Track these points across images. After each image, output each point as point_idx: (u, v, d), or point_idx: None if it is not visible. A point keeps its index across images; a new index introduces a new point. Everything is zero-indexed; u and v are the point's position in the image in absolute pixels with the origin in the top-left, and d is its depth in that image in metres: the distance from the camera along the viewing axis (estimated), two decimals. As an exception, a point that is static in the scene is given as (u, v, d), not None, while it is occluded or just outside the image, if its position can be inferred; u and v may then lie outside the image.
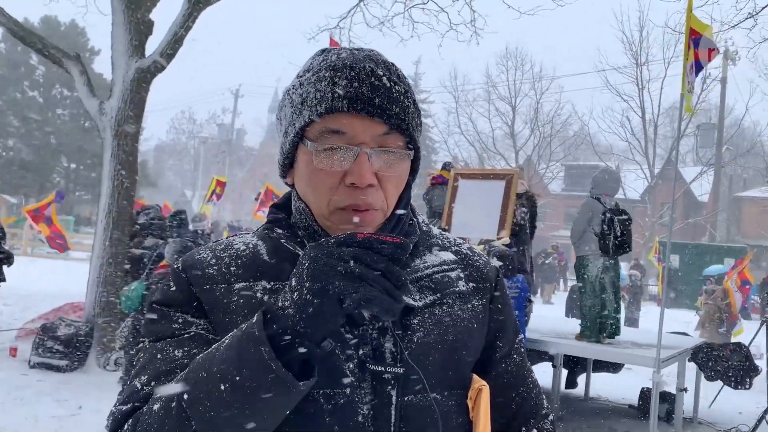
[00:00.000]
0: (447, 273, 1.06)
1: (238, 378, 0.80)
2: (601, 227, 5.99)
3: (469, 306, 1.05)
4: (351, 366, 0.93)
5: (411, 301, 0.98)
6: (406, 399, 0.95)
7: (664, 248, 22.26)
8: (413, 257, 1.05)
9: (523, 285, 5.79)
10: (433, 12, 10.50)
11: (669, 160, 30.96)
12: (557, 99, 37.13)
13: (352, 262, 0.80)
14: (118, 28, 7.60)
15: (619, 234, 5.93)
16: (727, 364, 6.48)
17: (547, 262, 21.49)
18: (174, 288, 1.00)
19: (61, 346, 7.01)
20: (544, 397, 1.19)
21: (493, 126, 34.97)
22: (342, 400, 0.92)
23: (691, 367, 6.79)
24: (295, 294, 0.82)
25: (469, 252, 1.14)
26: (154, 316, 1.00)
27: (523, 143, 34.65)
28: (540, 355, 6.37)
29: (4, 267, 7.97)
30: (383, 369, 0.94)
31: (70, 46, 18.21)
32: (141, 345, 1.00)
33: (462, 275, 1.07)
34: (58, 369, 6.93)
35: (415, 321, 0.98)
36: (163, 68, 7.70)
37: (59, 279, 13.62)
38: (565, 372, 6.87)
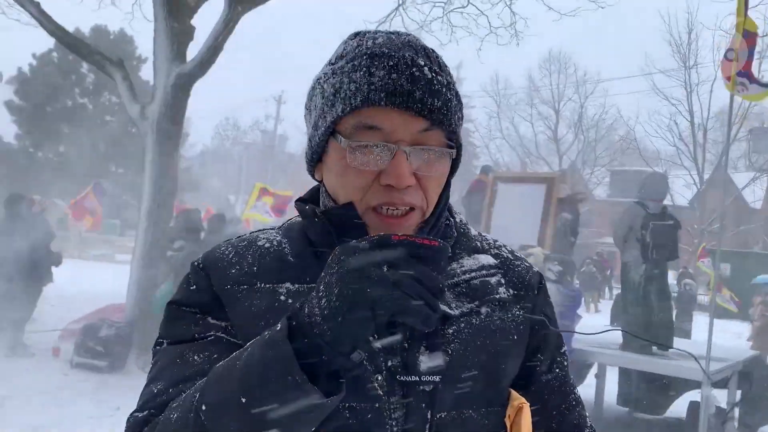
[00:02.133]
0: (486, 278, 0.98)
1: (259, 391, 0.73)
2: (640, 233, 5.77)
3: (510, 315, 0.96)
4: (380, 378, 0.86)
5: (447, 309, 0.90)
6: (439, 416, 0.87)
7: (713, 256, 21.55)
8: (450, 261, 0.96)
9: (578, 295, 5.60)
10: (472, 16, 10.39)
11: (719, 166, 30.03)
12: (602, 103, 36.41)
13: (386, 267, 0.72)
14: (160, 35, 7.72)
15: (660, 240, 5.69)
16: None
17: (582, 270, 20.98)
18: (194, 287, 0.94)
19: (101, 347, 7.11)
20: (587, 414, 1.08)
21: (536, 130, 34.56)
22: (369, 415, 0.85)
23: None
24: (323, 301, 0.74)
25: (510, 255, 1.05)
26: (173, 317, 0.94)
27: (567, 148, 34.12)
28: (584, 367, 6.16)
29: (53, 267, 8.17)
30: (417, 379, 0.86)
31: (119, 53, 18.68)
32: (158, 347, 0.94)
33: (503, 281, 0.99)
34: (98, 369, 7.03)
35: (451, 331, 0.90)
36: (203, 74, 7.78)
37: (105, 281, 13.90)
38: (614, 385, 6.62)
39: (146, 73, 32.88)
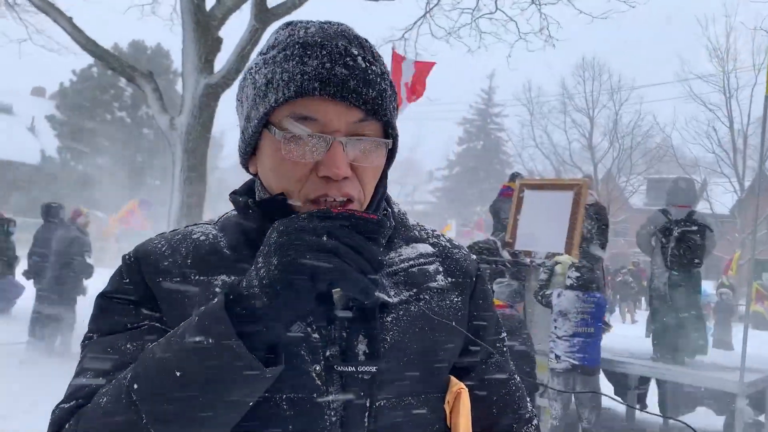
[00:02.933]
0: (424, 266, 0.97)
1: (195, 363, 0.72)
2: (661, 240, 5.61)
3: (448, 303, 0.96)
4: (317, 368, 0.84)
5: (385, 298, 0.89)
6: (378, 403, 0.86)
7: (755, 267, 20.91)
8: (388, 249, 0.96)
9: (601, 302, 5.44)
10: (501, 21, 10.31)
11: (761, 172, 29.22)
12: (637, 110, 35.87)
13: (325, 236, 0.72)
14: (188, 46, 7.86)
15: (680, 247, 5.52)
16: None
17: (618, 279, 20.53)
18: (126, 279, 0.91)
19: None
20: (528, 400, 1.08)
21: (570, 138, 34.12)
22: (307, 405, 0.83)
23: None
24: (262, 270, 0.73)
25: (448, 244, 1.05)
26: (104, 309, 0.90)
27: (602, 156, 33.59)
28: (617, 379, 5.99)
29: (84, 279, 8.32)
30: (354, 369, 0.84)
31: (156, 67, 19.13)
32: (86, 341, 0.90)
33: (440, 269, 0.99)
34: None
35: (389, 319, 0.89)
36: (230, 84, 7.88)
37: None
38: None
39: (181, 86, 33.67)
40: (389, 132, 0.89)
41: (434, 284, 0.96)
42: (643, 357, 5.98)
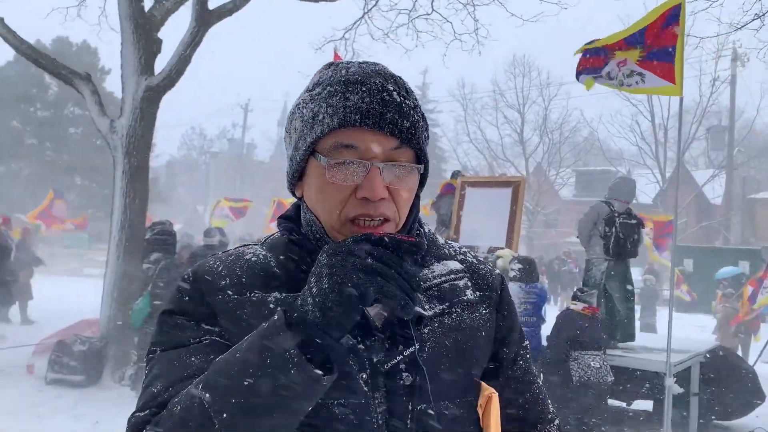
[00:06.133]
0: (454, 282, 1.08)
1: (260, 373, 0.81)
2: (604, 229, 6.01)
3: (477, 315, 1.07)
4: (364, 376, 0.94)
5: (422, 311, 0.98)
6: (419, 407, 0.96)
7: (677, 252, 22.06)
8: (421, 267, 1.06)
9: (542, 293, 5.82)
10: (437, 22, 10.57)
11: (680, 164, 30.80)
12: (565, 105, 37.21)
13: (369, 258, 0.83)
14: (127, 48, 7.73)
15: (622, 236, 5.94)
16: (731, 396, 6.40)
17: (564, 268, 21.31)
18: (186, 298, 1.00)
19: (76, 363, 7.08)
20: (550, 402, 1.22)
21: (502, 134, 35.01)
22: (357, 409, 0.93)
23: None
24: (314, 289, 0.84)
25: (474, 260, 1.16)
26: (167, 325, 1.00)
27: (533, 150, 34.62)
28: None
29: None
30: (399, 372, 0.95)
31: (82, 65, 18.41)
32: (152, 355, 0.99)
33: (469, 284, 1.10)
34: (74, 385, 6.99)
35: (426, 330, 1.00)
36: (171, 86, 7.81)
37: (74, 296, 13.74)
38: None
39: (110, 84, 32.50)
40: (421, 158, 1.00)
41: (465, 298, 1.07)
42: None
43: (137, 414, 0.93)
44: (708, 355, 6.49)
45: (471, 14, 10.28)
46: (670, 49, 5.33)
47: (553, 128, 33.85)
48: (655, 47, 5.40)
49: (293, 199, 1.09)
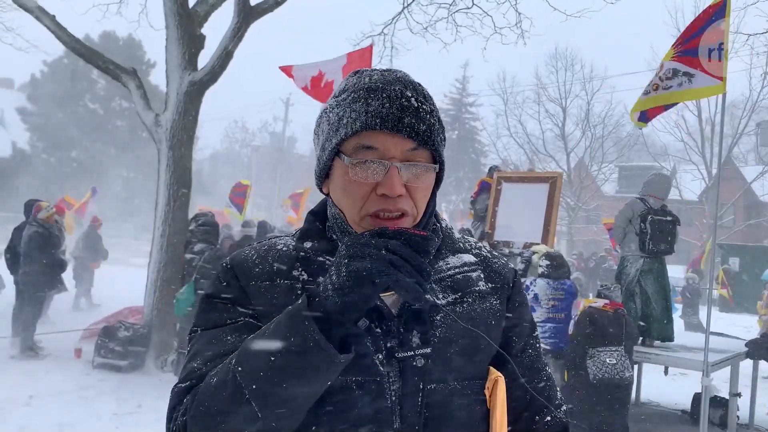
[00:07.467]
0: (468, 274, 1.17)
1: (286, 351, 0.91)
2: (639, 226, 5.92)
3: (488, 305, 1.15)
4: (380, 356, 1.03)
5: (435, 300, 1.09)
6: (429, 387, 1.05)
7: (721, 250, 21.51)
8: (436, 259, 1.15)
9: (570, 289, 5.75)
10: (477, 16, 10.52)
11: (727, 160, 29.97)
12: (609, 99, 36.39)
13: (384, 250, 0.91)
14: (171, 43, 7.93)
15: (658, 233, 5.84)
16: None
17: (604, 265, 20.96)
18: (225, 284, 1.11)
19: (121, 348, 7.35)
20: (558, 389, 1.29)
21: (544, 128, 34.49)
22: (373, 387, 1.02)
23: (746, 373, 6.62)
24: (334, 277, 0.93)
25: (488, 254, 1.25)
26: (207, 308, 1.11)
27: (575, 145, 34.06)
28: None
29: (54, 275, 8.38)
30: (411, 354, 1.04)
31: (128, 59, 18.94)
32: (194, 334, 1.11)
33: (482, 276, 1.18)
34: (118, 369, 7.26)
35: (438, 317, 1.09)
36: (214, 81, 7.99)
37: (120, 284, 14.16)
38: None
39: (155, 77, 33.25)
40: (437, 159, 1.09)
41: (477, 289, 1.15)
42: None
43: (179, 385, 1.05)
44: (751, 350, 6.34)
45: (513, 6, 10.19)
46: (717, 46, 5.26)
47: (596, 122, 33.24)
48: (695, 45, 5.33)
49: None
